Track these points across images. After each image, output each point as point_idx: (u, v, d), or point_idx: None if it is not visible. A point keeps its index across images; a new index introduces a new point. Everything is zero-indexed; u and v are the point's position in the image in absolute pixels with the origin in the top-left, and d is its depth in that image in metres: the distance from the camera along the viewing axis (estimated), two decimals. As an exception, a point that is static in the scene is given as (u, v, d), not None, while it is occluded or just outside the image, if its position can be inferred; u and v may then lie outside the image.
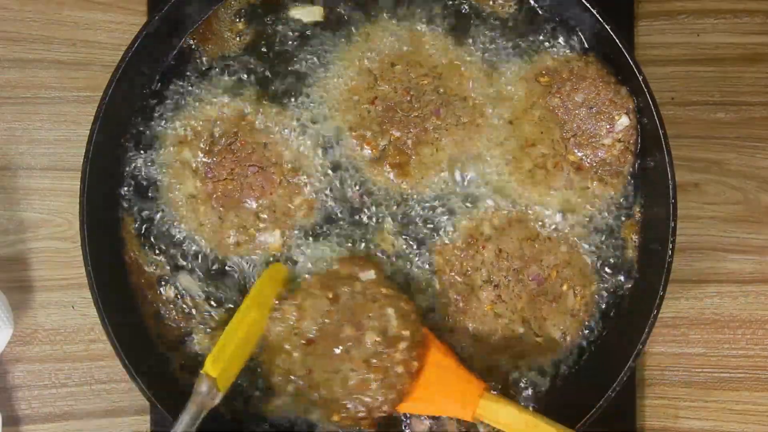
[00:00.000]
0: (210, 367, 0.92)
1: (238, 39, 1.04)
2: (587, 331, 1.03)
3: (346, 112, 1.03)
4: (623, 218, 1.03)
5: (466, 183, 1.03)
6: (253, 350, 0.98)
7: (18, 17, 1.12)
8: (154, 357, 1.02)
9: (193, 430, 0.91)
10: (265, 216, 1.02)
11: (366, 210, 1.03)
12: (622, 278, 1.03)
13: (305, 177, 1.02)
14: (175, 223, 1.03)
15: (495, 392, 0.98)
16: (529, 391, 1.02)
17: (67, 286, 1.11)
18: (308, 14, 1.04)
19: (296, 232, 1.02)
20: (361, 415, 0.94)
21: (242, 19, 1.04)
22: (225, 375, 0.94)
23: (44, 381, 1.11)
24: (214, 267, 1.03)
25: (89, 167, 0.96)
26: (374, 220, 1.03)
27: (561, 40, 1.03)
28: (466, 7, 1.04)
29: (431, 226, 1.02)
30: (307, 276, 1.01)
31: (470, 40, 1.04)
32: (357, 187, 1.03)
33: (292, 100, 1.03)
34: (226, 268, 1.03)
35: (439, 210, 1.03)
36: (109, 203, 1.03)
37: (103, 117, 0.96)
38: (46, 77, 1.11)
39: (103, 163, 0.99)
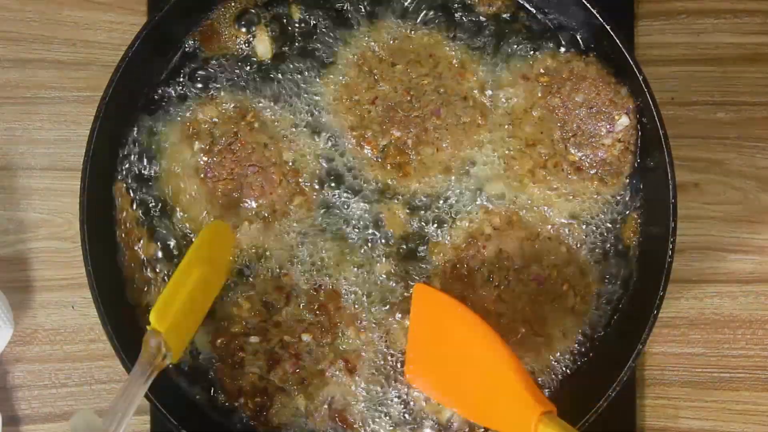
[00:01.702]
0: (154, 320, 0.88)
1: (238, 39, 1.04)
2: (587, 331, 1.03)
3: (346, 111, 1.03)
4: (623, 218, 1.03)
5: (466, 183, 1.03)
6: (205, 313, 0.98)
7: (18, 17, 1.11)
8: (154, 357, 1.02)
9: (142, 389, 0.87)
10: (265, 215, 1.02)
11: (366, 210, 1.03)
12: (622, 278, 1.03)
13: (305, 177, 1.02)
14: (175, 223, 1.03)
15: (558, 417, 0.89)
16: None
17: (67, 286, 1.10)
18: (262, 50, 1.04)
19: (295, 231, 1.02)
20: None
21: (244, 21, 1.04)
22: (175, 337, 0.90)
23: (44, 381, 1.10)
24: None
25: (89, 167, 0.96)
26: (374, 220, 1.03)
27: (561, 40, 1.03)
28: (468, 10, 1.04)
29: (432, 226, 1.02)
30: None
31: (471, 41, 1.04)
32: (357, 188, 1.03)
33: (293, 99, 1.03)
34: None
35: (439, 210, 1.03)
36: (110, 203, 1.02)
37: (103, 117, 0.96)
38: (46, 77, 1.11)
39: (103, 163, 0.99)
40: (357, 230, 1.02)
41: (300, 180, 1.02)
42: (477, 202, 1.02)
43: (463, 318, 0.94)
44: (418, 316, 0.98)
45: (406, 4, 1.04)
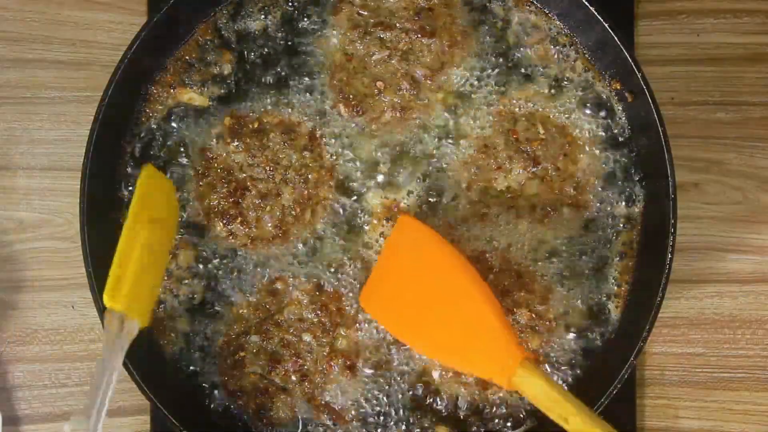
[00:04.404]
0: (109, 301, 0.86)
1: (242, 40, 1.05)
2: (588, 332, 1.03)
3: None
4: (623, 218, 1.03)
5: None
6: (165, 266, 0.98)
7: (18, 17, 1.12)
8: (154, 357, 1.02)
9: (115, 371, 0.84)
10: (268, 218, 1.02)
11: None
12: (621, 278, 1.03)
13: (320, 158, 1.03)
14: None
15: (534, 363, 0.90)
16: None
17: (67, 286, 1.11)
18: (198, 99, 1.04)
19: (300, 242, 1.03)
20: None
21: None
22: (138, 305, 0.89)
23: (44, 381, 1.11)
24: (214, 269, 1.03)
25: (89, 167, 0.96)
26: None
27: (560, 45, 1.04)
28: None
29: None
30: None
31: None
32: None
33: (293, 85, 1.04)
34: (225, 271, 1.03)
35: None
36: (110, 203, 1.02)
37: (103, 117, 0.96)
38: (46, 77, 1.11)
39: (103, 163, 0.99)
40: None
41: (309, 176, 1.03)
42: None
43: (445, 256, 0.93)
44: (393, 247, 0.97)
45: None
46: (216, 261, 1.03)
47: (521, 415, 1.02)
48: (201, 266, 1.03)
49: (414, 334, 0.95)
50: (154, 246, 0.93)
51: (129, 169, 1.03)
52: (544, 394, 0.85)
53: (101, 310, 0.94)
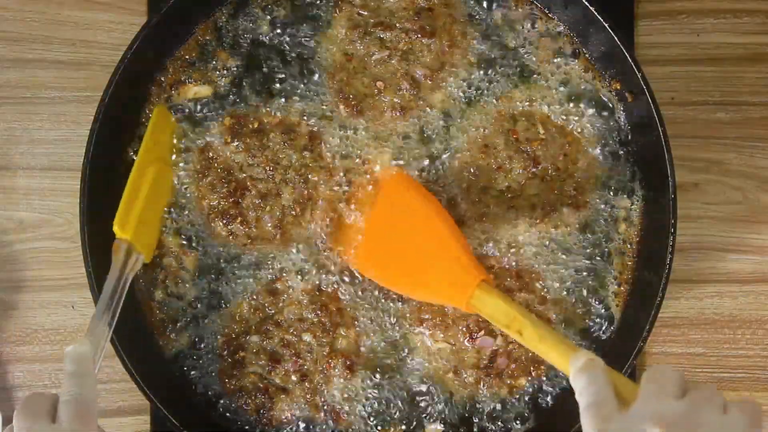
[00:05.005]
0: (119, 231, 0.94)
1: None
2: (587, 332, 1.03)
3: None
4: (623, 218, 1.03)
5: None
6: (165, 205, 1.02)
7: (18, 17, 1.12)
8: (154, 356, 1.02)
9: (119, 300, 0.90)
10: (268, 219, 1.02)
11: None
12: (621, 278, 1.03)
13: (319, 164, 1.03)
14: (173, 225, 1.03)
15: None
16: (530, 392, 1.02)
17: (67, 286, 1.11)
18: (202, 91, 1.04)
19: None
20: None
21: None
22: (143, 239, 0.96)
23: (44, 381, 1.11)
24: (213, 268, 1.03)
25: (89, 167, 0.96)
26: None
27: (560, 45, 1.04)
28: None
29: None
30: None
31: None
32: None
33: (293, 84, 1.04)
34: (224, 271, 1.03)
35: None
36: (110, 203, 1.02)
37: (103, 117, 0.96)
38: (46, 77, 1.11)
39: (103, 163, 0.99)
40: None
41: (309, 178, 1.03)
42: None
43: (411, 192, 0.98)
44: (383, 205, 1.00)
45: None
46: (215, 261, 1.03)
47: (522, 415, 1.02)
48: (200, 266, 1.03)
49: (390, 274, 0.99)
50: (158, 183, 0.99)
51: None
52: (502, 312, 0.88)
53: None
